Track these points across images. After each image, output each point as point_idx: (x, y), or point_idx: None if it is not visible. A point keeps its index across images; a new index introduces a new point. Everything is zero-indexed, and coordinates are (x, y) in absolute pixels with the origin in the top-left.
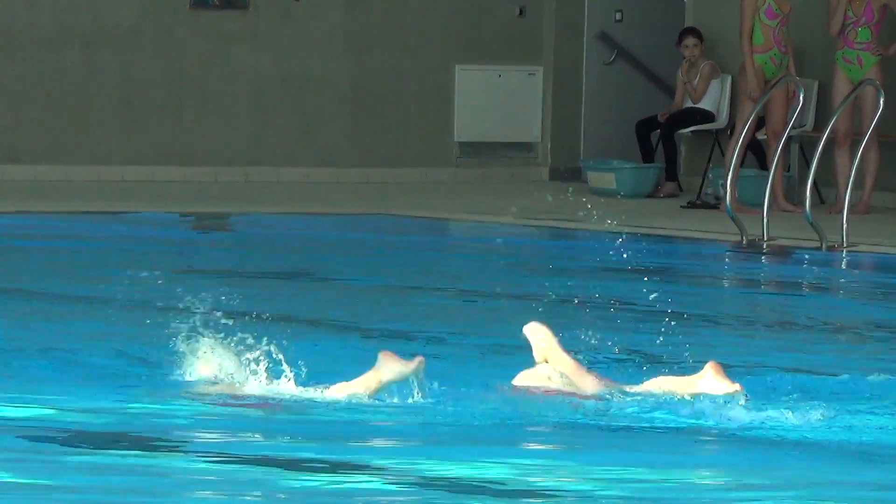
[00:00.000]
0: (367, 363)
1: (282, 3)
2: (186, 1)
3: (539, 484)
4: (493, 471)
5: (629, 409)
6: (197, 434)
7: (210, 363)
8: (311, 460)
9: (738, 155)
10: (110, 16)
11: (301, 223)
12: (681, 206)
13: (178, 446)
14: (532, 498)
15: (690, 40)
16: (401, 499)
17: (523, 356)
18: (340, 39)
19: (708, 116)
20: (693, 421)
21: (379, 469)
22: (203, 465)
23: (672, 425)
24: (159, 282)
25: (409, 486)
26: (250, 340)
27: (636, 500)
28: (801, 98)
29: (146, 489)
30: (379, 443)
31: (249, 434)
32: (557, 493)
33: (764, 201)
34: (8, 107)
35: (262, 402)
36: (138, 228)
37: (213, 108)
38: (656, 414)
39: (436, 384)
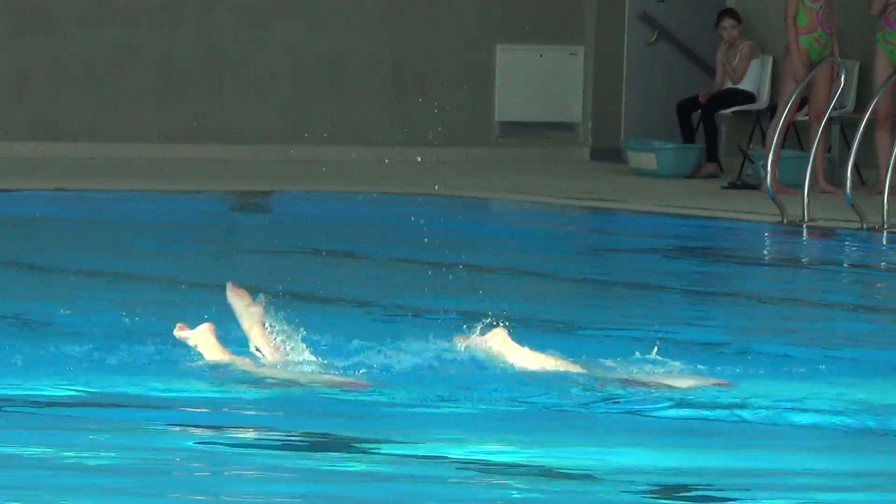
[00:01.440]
0: (409, 340)
1: None
2: None
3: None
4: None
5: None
6: (228, 412)
7: (249, 342)
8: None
9: (779, 136)
10: None
11: (341, 202)
12: (721, 187)
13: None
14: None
15: (728, 21)
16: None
17: (564, 333)
18: (381, 18)
19: (748, 97)
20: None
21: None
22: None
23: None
24: (198, 260)
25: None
26: (287, 319)
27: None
28: (842, 79)
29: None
30: (395, 422)
31: (270, 411)
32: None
33: (804, 182)
34: (48, 84)
35: (290, 381)
36: (178, 206)
37: (253, 85)
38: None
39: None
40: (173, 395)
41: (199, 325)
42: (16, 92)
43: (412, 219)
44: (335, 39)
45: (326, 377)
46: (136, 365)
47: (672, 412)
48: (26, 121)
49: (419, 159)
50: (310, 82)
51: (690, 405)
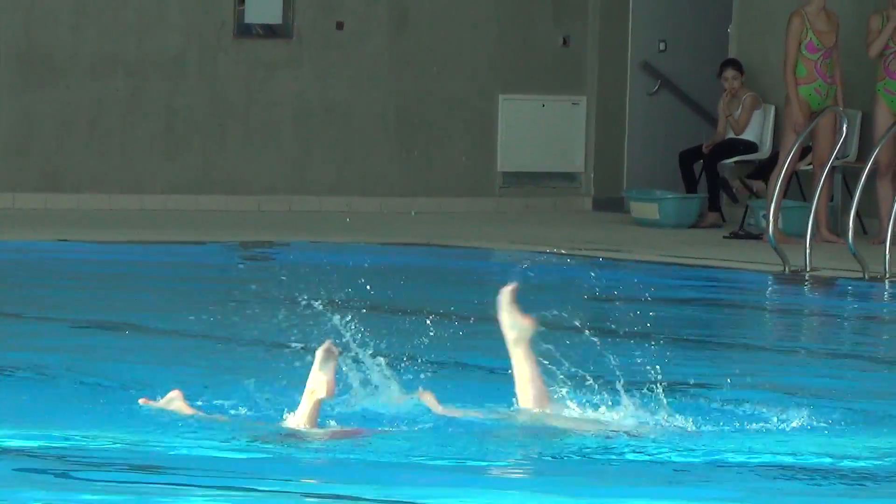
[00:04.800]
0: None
1: (325, 32)
2: (230, 30)
3: None
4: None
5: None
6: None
7: (247, 394)
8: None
9: (780, 185)
10: (154, 44)
11: (343, 252)
12: (723, 237)
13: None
14: None
15: (730, 72)
16: None
17: (567, 384)
18: (384, 68)
19: (751, 147)
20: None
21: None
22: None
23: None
24: (202, 310)
25: None
26: (288, 370)
27: None
28: (843, 129)
29: None
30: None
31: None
32: None
33: (807, 232)
34: (51, 135)
35: (291, 435)
36: (180, 257)
37: (257, 136)
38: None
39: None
40: (183, 452)
41: (166, 394)
42: (21, 143)
43: (415, 269)
44: (338, 90)
45: (323, 430)
46: (137, 419)
47: (676, 458)
48: (31, 171)
49: (419, 211)
50: (313, 133)
51: (693, 451)
